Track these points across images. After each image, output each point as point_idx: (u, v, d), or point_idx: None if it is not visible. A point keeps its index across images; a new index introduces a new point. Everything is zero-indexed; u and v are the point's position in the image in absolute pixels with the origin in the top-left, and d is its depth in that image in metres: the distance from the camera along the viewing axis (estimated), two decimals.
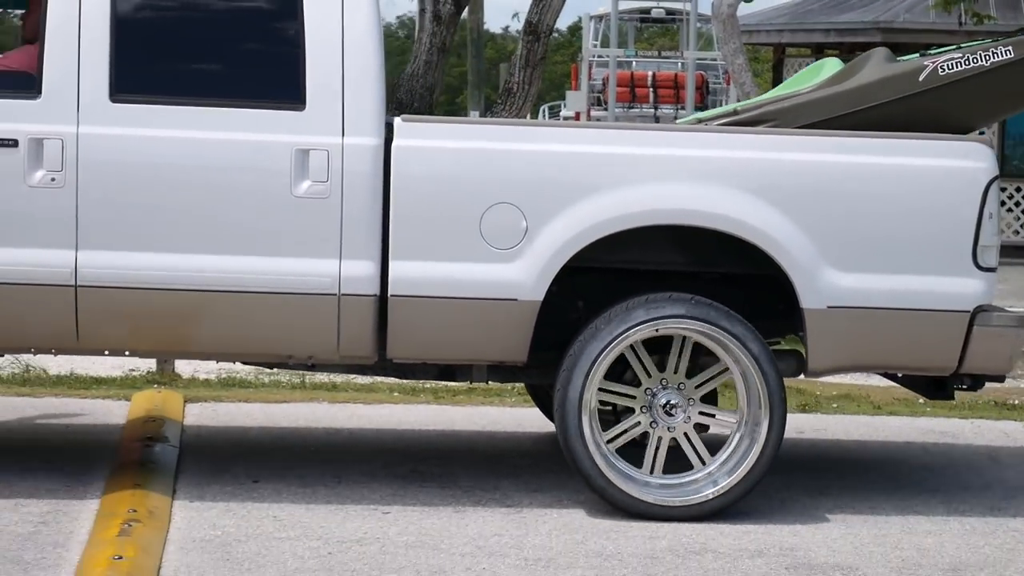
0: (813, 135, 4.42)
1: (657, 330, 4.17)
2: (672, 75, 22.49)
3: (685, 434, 4.27)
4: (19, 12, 5.44)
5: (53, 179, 4.07)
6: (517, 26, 31.53)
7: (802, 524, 4.29)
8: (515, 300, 4.17)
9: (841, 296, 4.22)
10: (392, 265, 4.16)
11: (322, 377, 6.23)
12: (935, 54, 4.63)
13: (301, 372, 5.63)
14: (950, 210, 4.31)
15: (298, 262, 4.14)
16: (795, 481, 4.78)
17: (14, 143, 4.04)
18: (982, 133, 6.74)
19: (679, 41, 26.10)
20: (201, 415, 5.73)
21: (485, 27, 22.20)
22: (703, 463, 4.25)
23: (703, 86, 22.07)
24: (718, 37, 11.35)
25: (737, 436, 4.25)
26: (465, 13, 10.85)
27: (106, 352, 4.44)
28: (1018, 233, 15.21)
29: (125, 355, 4.59)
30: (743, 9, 10.66)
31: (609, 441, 4.24)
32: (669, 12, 25.60)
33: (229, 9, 4.40)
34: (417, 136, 4.26)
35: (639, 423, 4.28)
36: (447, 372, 4.62)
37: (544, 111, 27.50)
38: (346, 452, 5.26)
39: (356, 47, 4.19)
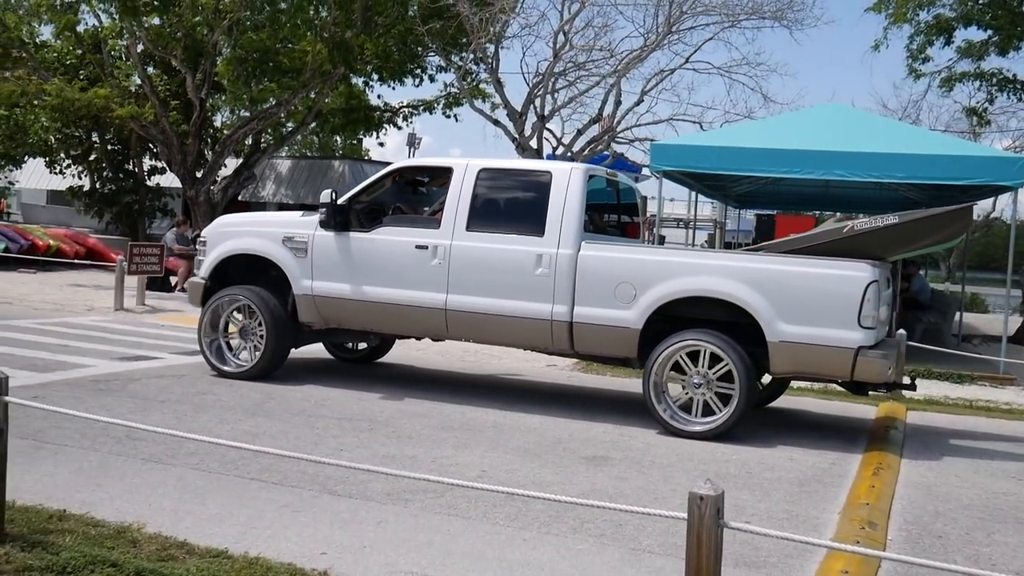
0: (777, 255, 8.58)
1: (691, 346, 8.30)
2: None
3: (709, 398, 8.30)
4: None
5: (437, 261, 9.09)
6: None
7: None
8: (628, 327, 8.51)
9: (786, 335, 8.05)
10: (575, 309, 8.69)
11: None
12: (860, 221, 8.69)
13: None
14: (846, 295, 7.92)
15: (536, 305, 8.79)
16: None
17: (426, 247, 9.12)
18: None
19: None
20: (914, 417, 10.20)
21: None
22: (719, 410, 8.24)
23: None
24: None
25: (739, 395, 8.13)
26: None
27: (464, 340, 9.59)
28: None
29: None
30: None
31: (675, 402, 8.46)
32: None
33: (515, 189, 9.31)
34: (590, 249, 8.74)
35: (688, 393, 8.42)
36: (603, 359, 9.45)
37: None
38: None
39: (569, 212, 8.77)
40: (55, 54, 26.51)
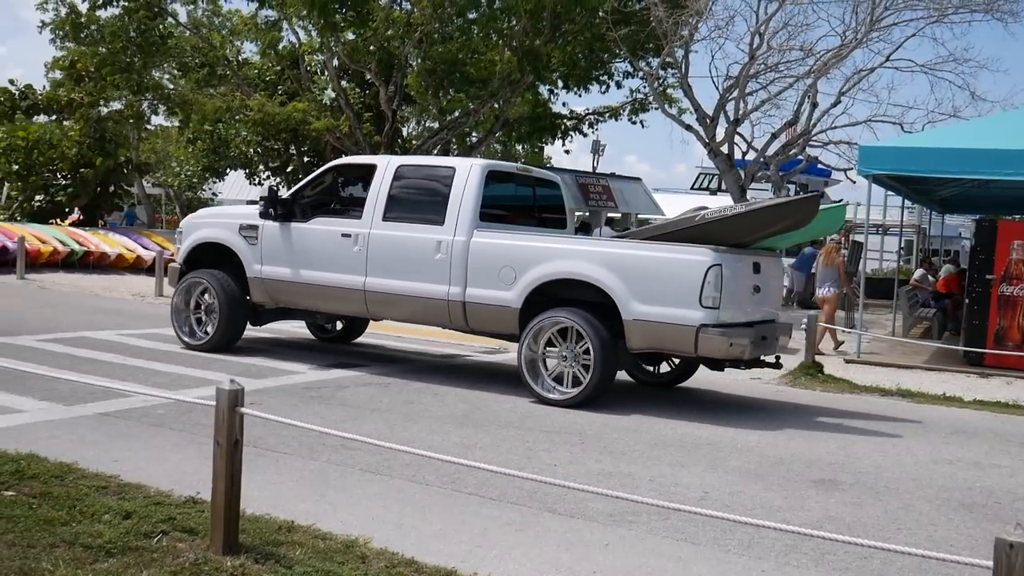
0: (632, 240, 9.64)
1: (559, 323, 9.12)
2: None
3: (577, 371, 9.06)
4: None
5: (359, 247, 10.09)
6: None
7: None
8: (510, 307, 9.40)
9: (639, 314, 8.83)
10: (467, 290, 9.59)
11: None
12: (711, 210, 9.69)
13: None
14: (688, 278, 8.62)
15: (436, 286, 9.71)
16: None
17: (350, 235, 10.16)
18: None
19: None
20: None
21: None
22: (583, 381, 8.98)
23: None
24: None
25: (594, 368, 8.89)
26: None
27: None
28: None
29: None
30: None
31: (549, 375, 9.25)
32: None
33: (425, 182, 10.20)
34: (481, 236, 9.61)
35: (559, 366, 9.21)
36: (493, 335, 10.17)
37: None
38: None
39: (465, 203, 9.69)
40: (256, 71, 27.69)
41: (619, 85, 25.86)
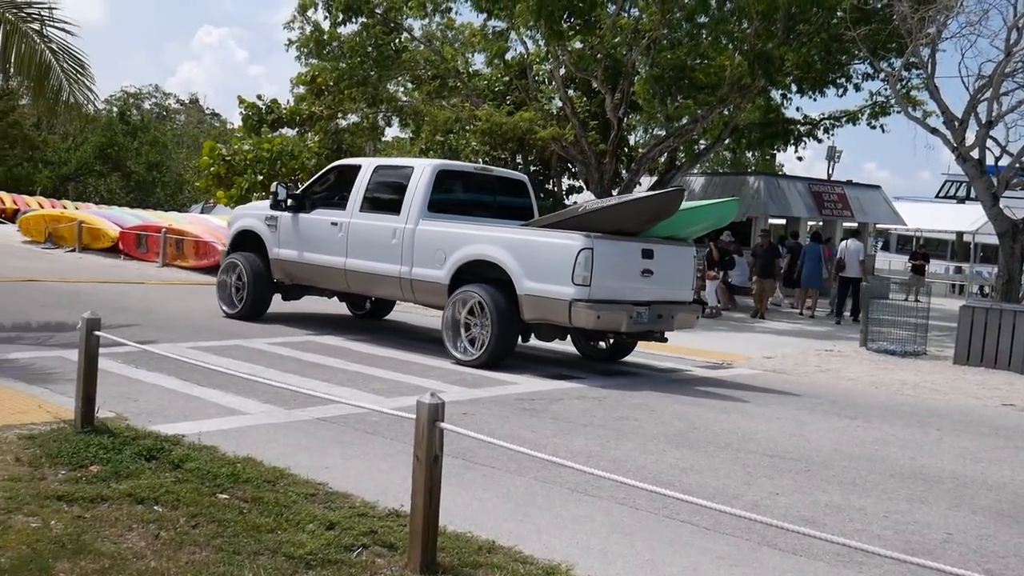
0: (526, 228, 11.09)
1: (470, 297, 10.66)
2: None
3: (487, 337, 10.49)
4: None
5: (342, 234, 12.21)
6: None
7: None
8: (441, 283, 11.07)
9: (529, 290, 10.33)
10: (413, 269, 11.34)
11: None
12: (592, 202, 12.99)
13: None
14: (563, 259, 10.09)
15: (394, 266, 11.53)
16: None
17: (336, 223, 12.23)
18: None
19: None
20: None
21: None
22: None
23: None
24: None
25: (491, 334, 10.43)
26: None
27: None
28: None
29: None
30: None
31: (468, 339, 10.80)
32: None
33: (392, 180, 11.99)
34: (425, 224, 11.37)
35: (473, 332, 10.71)
36: (433, 306, 11.88)
37: None
38: None
39: (416, 197, 11.44)
40: (485, 82, 28.16)
41: (858, 88, 24.52)
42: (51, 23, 11.33)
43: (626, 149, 28.05)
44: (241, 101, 29.19)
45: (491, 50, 25.05)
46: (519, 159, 29.84)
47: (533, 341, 11.45)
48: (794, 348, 15.04)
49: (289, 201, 12.75)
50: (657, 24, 21.82)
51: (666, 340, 11.25)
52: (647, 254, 10.57)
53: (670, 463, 6.90)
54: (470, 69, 28.35)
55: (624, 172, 25.95)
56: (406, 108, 28.19)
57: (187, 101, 77.31)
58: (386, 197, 11.99)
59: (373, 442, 6.95)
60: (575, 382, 10.23)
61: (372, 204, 12.04)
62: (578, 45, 23.87)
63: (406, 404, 8.22)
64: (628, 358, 12.39)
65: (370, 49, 24.83)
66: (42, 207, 39.36)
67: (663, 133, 25.72)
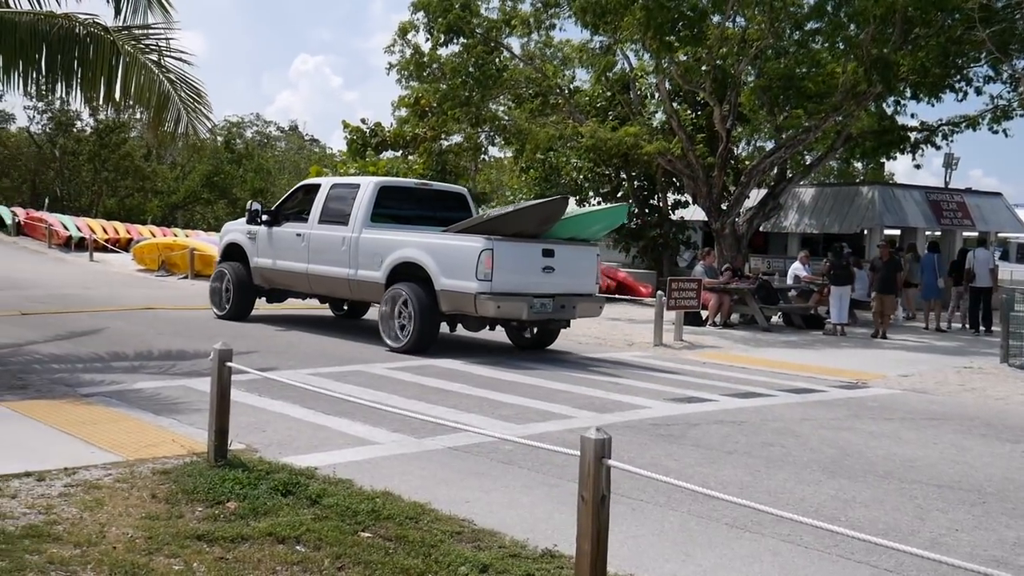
0: (444, 234, 12.99)
1: (398, 295, 12.74)
2: None
3: (413, 327, 12.53)
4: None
5: (304, 243, 14.37)
6: None
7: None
8: (379, 282, 13.17)
9: (444, 285, 12.36)
10: (358, 272, 13.52)
11: None
12: (496, 209, 16.12)
13: None
14: (468, 258, 12.11)
15: (343, 269, 13.71)
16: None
17: (300, 234, 14.55)
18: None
19: None
20: None
21: None
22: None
23: None
24: None
25: (414, 324, 12.51)
26: None
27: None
28: None
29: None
30: None
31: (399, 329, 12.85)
32: None
33: (345, 195, 14.13)
34: (367, 233, 13.53)
35: (403, 321, 12.74)
36: (373, 303, 14.08)
37: None
38: None
39: (361, 209, 13.67)
40: (587, 98, 27.84)
41: (979, 91, 23.43)
42: (168, 53, 11.37)
43: (734, 162, 27.39)
44: (345, 125, 29.47)
45: (598, 66, 24.71)
46: (623, 175, 29.40)
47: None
48: (929, 365, 14.26)
49: (264, 216, 14.99)
50: (765, 34, 21.22)
51: (568, 326, 13.61)
52: (548, 253, 12.58)
53: (830, 494, 6.41)
54: (572, 86, 28.05)
55: (732, 187, 25.32)
56: (508, 127, 28.01)
57: (287, 128, 78.81)
58: (339, 210, 13.97)
59: (511, 473, 6.61)
60: (708, 405, 9.75)
61: (328, 217, 14.05)
62: (682, 58, 23.37)
63: (539, 431, 7.92)
64: (753, 376, 11.84)
65: (471, 69, 24.71)
66: (153, 235, 40.33)
67: (772, 144, 24.99)
